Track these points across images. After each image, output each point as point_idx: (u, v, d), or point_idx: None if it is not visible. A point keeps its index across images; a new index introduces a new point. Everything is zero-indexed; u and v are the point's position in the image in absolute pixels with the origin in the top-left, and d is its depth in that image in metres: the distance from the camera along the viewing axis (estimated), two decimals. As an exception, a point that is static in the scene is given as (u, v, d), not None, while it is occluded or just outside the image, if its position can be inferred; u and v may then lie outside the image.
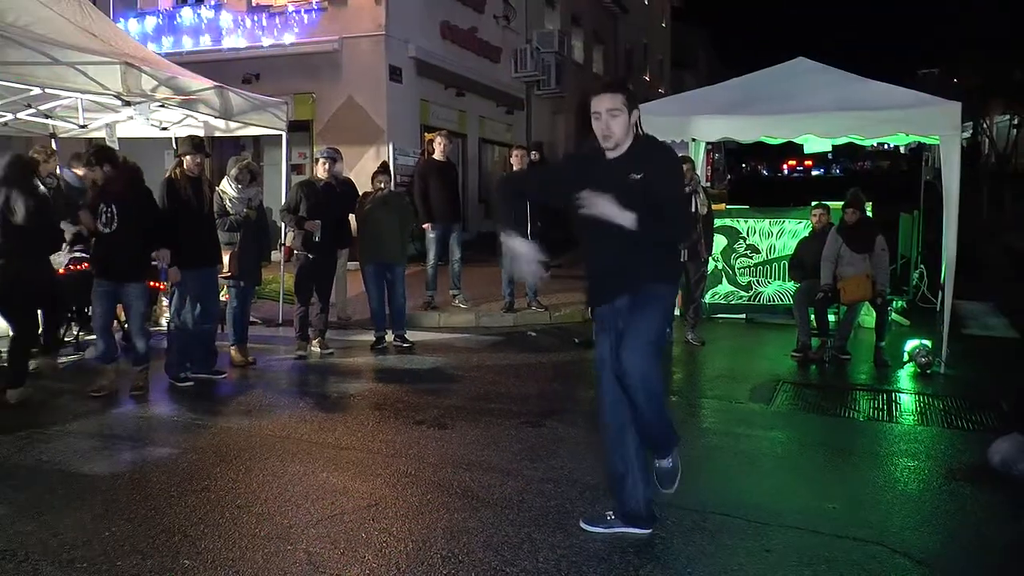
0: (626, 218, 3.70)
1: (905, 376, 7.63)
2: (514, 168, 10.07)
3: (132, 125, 8.99)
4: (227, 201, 7.69)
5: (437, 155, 10.46)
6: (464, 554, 3.87)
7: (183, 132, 8.96)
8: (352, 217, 8.82)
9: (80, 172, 8.38)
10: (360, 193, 8.85)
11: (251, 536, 4.05)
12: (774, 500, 4.63)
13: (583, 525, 4.19)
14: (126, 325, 8.63)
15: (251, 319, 8.69)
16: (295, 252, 8.29)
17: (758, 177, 36.99)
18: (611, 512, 4.19)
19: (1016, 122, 39.31)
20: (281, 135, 9.89)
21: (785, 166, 54.15)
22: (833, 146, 10.65)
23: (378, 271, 8.57)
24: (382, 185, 8.56)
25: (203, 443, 5.57)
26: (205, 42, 15.66)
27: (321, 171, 8.26)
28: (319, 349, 8.37)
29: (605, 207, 3.72)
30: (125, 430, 5.92)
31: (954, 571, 3.92)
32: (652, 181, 3.78)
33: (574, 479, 4.90)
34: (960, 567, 3.97)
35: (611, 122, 3.83)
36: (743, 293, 10.28)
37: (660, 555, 3.90)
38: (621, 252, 3.85)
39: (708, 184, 13.23)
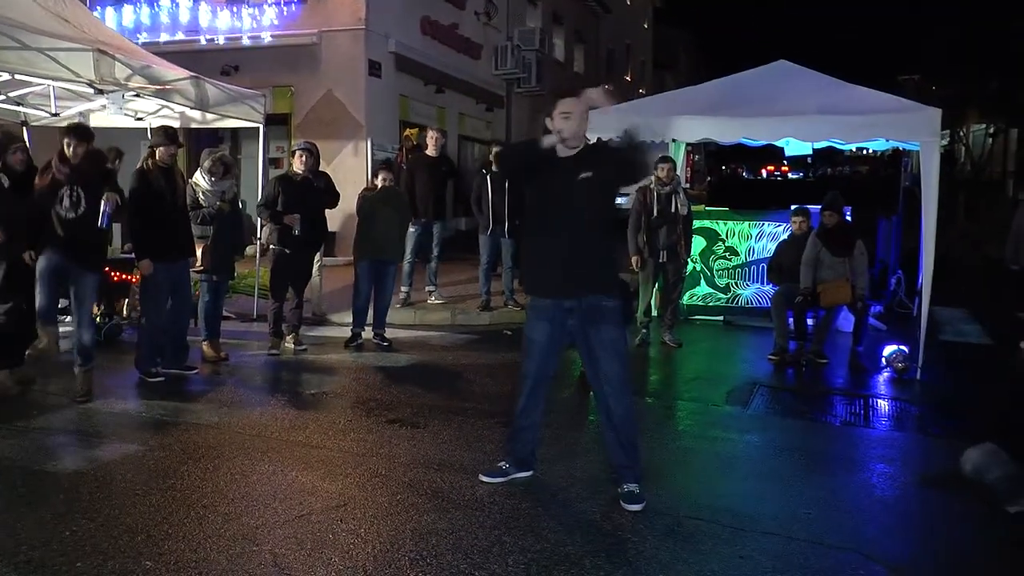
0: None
1: (881, 381, 7.63)
2: (493, 167, 9.99)
3: (107, 115, 8.85)
4: (200, 194, 7.56)
5: (429, 150, 10.39)
6: (432, 557, 3.80)
7: (159, 123, 8.82)
8: (328, 212, 8.69)
9: None
10: (336, 188, 8.72)
11: (216, 537, 3.95)
12: (749, 505, 4.58)
13: (482, 478, 4.75)
14: (98, 317, 8.52)
15: (225, 314, 8.57)
16: (271, 247, 8.17)
17: (739, 179, 37.15)
18: (504, 463, 4.82)
19: (991, 131, 39.72)
20: (259, 128, 9.76)
21: (764, 170, 54.25)
22: (813, 150, 10.65)
23: (372, 268, 8.46)
24: (384, 181, 8.46)
25: (171, 440, 5.46)
26: (183, 32, 15.46)
27: (298, 164, 8.13)
28: (293, 345, 8.26)
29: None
30: (91, 426, 5.78)
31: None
32: (604, 168, 4.33)
33: (545, 482, 4.83)
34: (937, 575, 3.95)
35: (583, 124, 4.35)
36: (721, 295, 10.27)
37: (633, 560, 3.84)
38: (574, 247, 4.36)
39: (688, 185, 13.20)
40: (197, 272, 7.59)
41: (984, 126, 39.26)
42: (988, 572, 4.04)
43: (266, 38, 14.99)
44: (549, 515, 4.32)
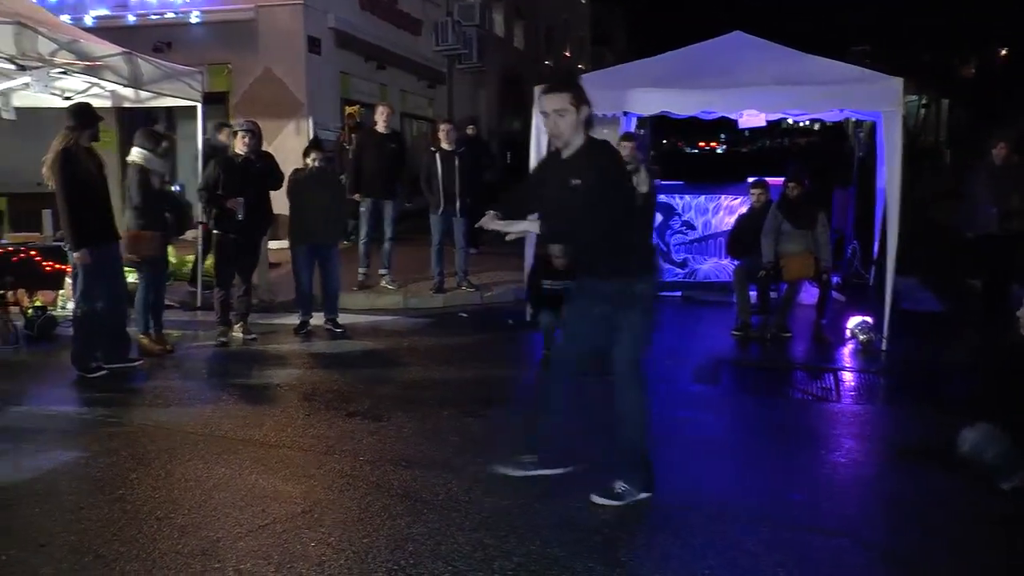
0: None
1: (848, 353, 7.52)
2: (442, 144, 9.68)
3: (31, 94, 8.30)
4: (153, 176, 7.16)
5: (379, 126, 10.04)
6: (411, 566, 3.53)
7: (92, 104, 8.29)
8: (272, 194, 8.29)
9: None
10: (280, 168, 8.31)
11: (173, 553, 3.61)
12: (735, 492, 4.39)
13: (500, 469, 4.45)
14: (29, 311, 8.03)
15: (167, 303, 8.12)
16: (214, 232, 7.76)
17: (681, 153, 37.40)
18: (529, 457, 4.45)
19: (924, 102, 40.53)
20: (196, 107, 9.27)
21: (698, 145, 54.58)
22: (769, 121, 10.55)
23: (309, 252, 8.09)
24: (315, 161, 8.06)
25: (117, 444, 5.06)
26: (110, 8, 14.71)
27: (240, 145, 7.73)
28: (241, 335, 7.86)
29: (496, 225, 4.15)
30: (27, 432, 5.32)
31: (927, 562, 3.73)
32: (589, 189, 3.99)
33: (522, 477, 4.56)
34: (931, 556, 3.79)
35: (559, 121, 4.02)
36: (679, 270, 10.09)
37: (625, 560, 3.61)
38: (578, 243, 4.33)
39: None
40: (136, 263, 7.17)
41: (917, 97, 40.01)
42: (984, 551, 3.89)
43: (200, 13, 14.34)
44: (531, 513, 4.06)
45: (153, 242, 7.19)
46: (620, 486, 4.17)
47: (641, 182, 8.27)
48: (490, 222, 4.13)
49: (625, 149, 8.18)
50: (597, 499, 4.15)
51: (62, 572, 3.48)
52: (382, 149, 9.89)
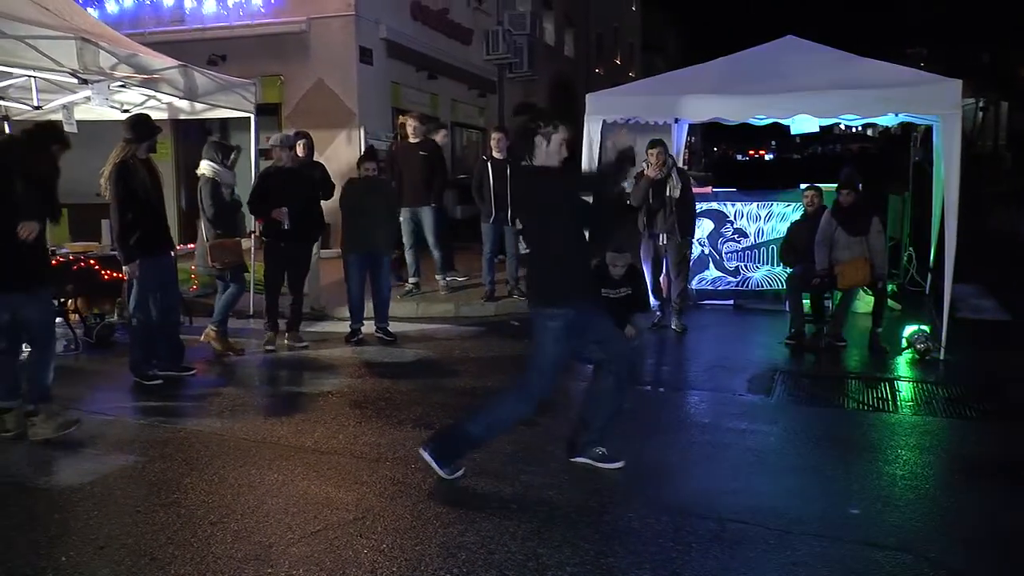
0: None
1: (904, 363, 7.36)
2: (493, 153, 9.68)
3: (92, 107, 8.48)
4: (223, 187, 7.32)
5: (410, 137, 10.11)
6: (463, 575, 3.51)
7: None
8: (324, 203, 8.37)
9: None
10: (331, 178, 8.39)
11: (227, 558, 3.64)
12: (792, 504, 4.31)
13: (422, 453, 4.63)
14: (89, 318, 8.20)
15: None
16: (263, 240, 7.88)
17: (732, 160, 37.03)
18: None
19: (982, 105, 39.64)
20: (249, 118, 9.40)
21: (749, 152, 53.99)
22: (821, 127, 10.38)
23: (362, 261, 8.14)
24: (368, 171, 8.12)
25: (172, 449, 5.13)
26: (167, 22, 15.03)
27: (282, 157, 7.87)
28: (292, 342, 7.95)
29: None
30: (86, 436, 5.40)
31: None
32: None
33: (576, 483, 4.55)
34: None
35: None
36: (731, 278, 9.98)
37: (679, 570, 3.56)
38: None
39: (686, 166, 12.80)
40: (219, 270, 7.36)
41: (973, 100, 39.19)
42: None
43: (254, 26, 14.57)
44: (583, 523, 4.02)
45: (236, 249, 7.37)
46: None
47: (673, 187, 8.19)
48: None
49: (653, 156, 8.10)
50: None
51: (119, 574, 3.53)
52: (413, 158, 9.94)
